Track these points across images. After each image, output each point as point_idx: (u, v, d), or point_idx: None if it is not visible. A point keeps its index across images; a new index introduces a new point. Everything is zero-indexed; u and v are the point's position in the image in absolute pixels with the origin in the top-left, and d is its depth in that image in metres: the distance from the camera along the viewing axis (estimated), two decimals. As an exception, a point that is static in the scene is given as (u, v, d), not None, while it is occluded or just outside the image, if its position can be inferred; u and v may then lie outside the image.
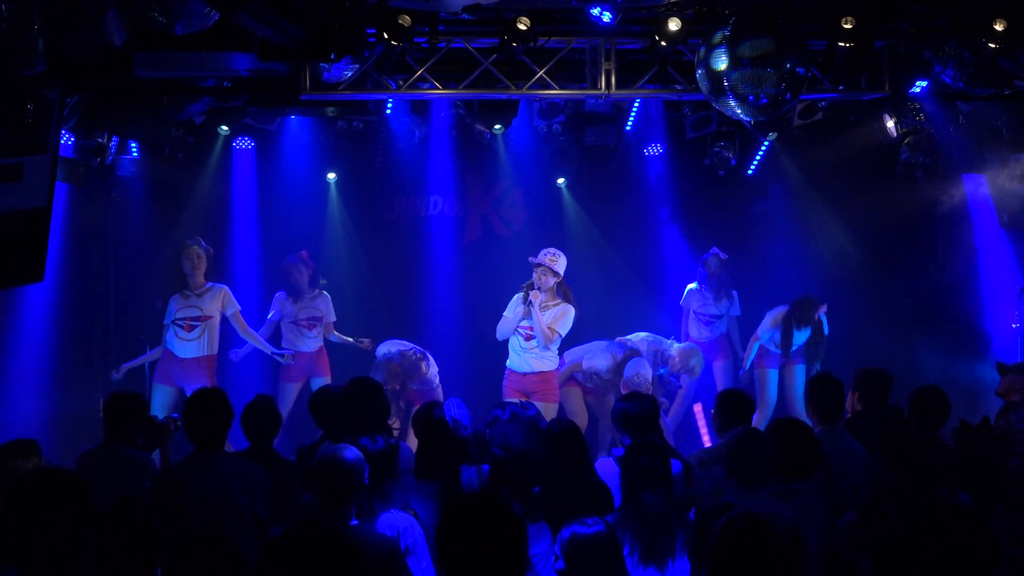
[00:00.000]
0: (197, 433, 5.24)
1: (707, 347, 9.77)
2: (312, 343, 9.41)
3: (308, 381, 9.32)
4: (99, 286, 10.01)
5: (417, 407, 6.46)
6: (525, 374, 8.59)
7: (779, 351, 9.38)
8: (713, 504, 4.62)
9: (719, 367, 9.86)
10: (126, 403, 5.84)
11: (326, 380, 9.15)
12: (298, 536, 4.09)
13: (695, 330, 9.87)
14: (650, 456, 4.79)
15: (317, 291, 9.47)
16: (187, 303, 8.78)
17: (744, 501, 4.62)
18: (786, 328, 9.31)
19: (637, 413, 5.69)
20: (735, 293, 9.83)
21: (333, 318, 9.51)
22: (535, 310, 8.42)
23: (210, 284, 8.88)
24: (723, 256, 9.74)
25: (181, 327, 8.78)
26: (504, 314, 8.67)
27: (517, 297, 8.63)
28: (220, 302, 8.85)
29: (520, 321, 8.56)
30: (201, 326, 8.79)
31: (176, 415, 5.82)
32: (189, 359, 8.74)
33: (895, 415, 6.26)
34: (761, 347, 9.54)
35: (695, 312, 9.86)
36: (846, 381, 6.25)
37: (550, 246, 8.72)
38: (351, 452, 4.44)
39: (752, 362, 9.59)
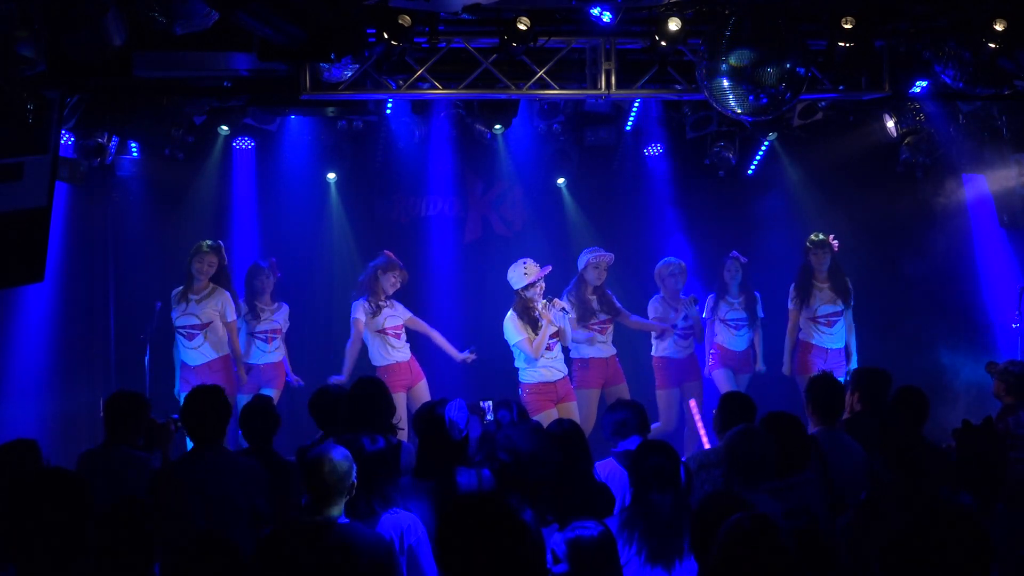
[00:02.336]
0: (196, 430, 5.25)
1: (738, 358, 9.60)
2: (270, 356, 9.14)
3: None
4: (99, 286, 10.00)
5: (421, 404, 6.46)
6: (557, 380, 8.60)
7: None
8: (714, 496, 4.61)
9: (744, 381, 9.62)
10: (127, 403, 5.84)
11: (276, 392, 8.96)
12: (287, 535, 4.11)
13: (726, 338, 9.59)
14: (659, 456, 4.78)
15: (277, 304, 9.21)
16: (188, 310, 8.74)
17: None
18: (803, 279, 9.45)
19: (622, 419, 5.77)
20: (757, 295, 9.68)
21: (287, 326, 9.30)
22: (565, 317, 8.55)
23: (211, 287, 8.81)
24: (743, 259, 9.61)
25: (184, 336, 8.76)
26: (522, 339, 8.43)
27: (513, 316, 8.50)
28: (220, 308, 8.77)
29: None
30: (200, 334, 8.73)
31: (176, 415, 5.82)
32: (200, 366, 8.73)
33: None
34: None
35: (722, 321, 9.60)
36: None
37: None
38: (338, 452, 4.47)
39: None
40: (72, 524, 3.21)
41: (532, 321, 8.46)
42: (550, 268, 8.62)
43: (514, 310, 8.54)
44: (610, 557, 4.18)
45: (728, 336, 9.59)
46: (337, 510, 4.38)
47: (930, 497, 5.05)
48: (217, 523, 4.96)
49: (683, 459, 5.70)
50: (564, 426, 5.43)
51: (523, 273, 8.45)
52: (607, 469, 5.64)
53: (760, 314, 9.70)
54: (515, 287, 8.52)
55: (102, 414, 5.91)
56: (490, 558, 3.17)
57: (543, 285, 8.49)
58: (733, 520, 3.32)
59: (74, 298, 9.60)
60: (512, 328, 8.51)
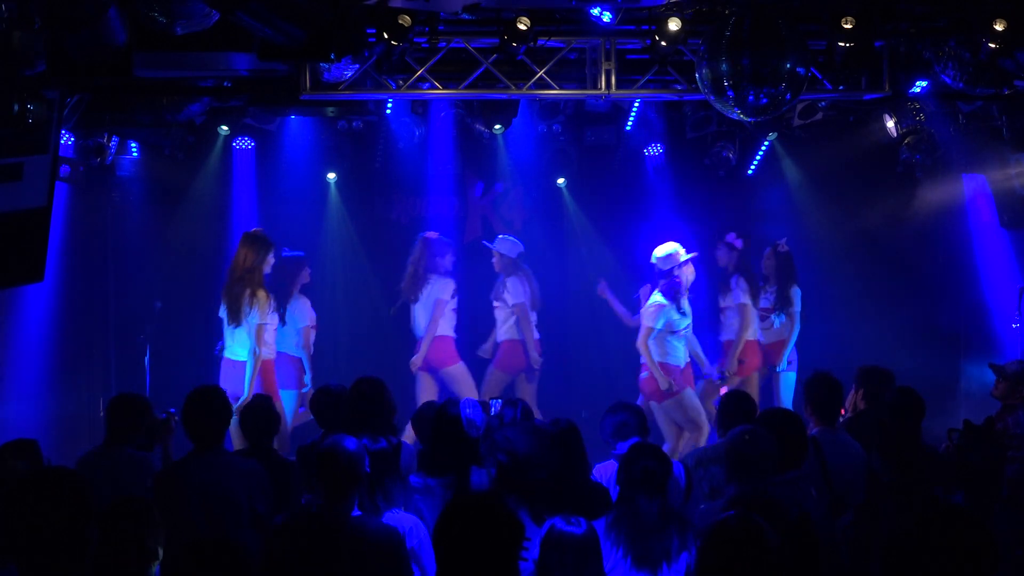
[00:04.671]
0: (196, 431, 5.25)
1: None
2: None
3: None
4: (99, 286, 10.00)
5: (421, 404, 6.46)
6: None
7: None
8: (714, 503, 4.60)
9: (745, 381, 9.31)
10: (129, 405, 5.84)
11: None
12: (301, 526, 4.11)
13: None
14: (649, 459, 4.77)
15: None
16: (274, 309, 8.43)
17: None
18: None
19: (622, 421, 5.76)
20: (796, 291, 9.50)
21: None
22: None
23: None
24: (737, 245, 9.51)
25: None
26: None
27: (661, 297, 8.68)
28: None
29: None
30: None
31: (174, 409, 5.79)
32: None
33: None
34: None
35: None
36: (846, 381, 6.25)
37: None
38: (351, 442, 4.47)
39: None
40: (73, 523, 3.20)
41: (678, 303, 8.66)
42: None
43: (663, 292, 8.66)
44: (585, 556, 4.16)
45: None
46: (350, 502, 4.38)
47: (928, 497, 5.06)
48: (217, 524, 4.97)
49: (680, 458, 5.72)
50: (561, 425, 5.43)
51: (680, 253, 8.69)
52: (609, 471, 5.64)
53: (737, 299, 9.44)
54: (665, 267, 8.69)
55: (102, 414, 5.90)
56: (486, 558, 3.18)
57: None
58: (718, 519, 3.33)
59: (74, 298, 9.59)
60: (657, 313, 8.62)
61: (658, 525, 4.61)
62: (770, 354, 9.51)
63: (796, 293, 9.50)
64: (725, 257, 9.46)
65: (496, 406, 5.58)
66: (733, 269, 9.41)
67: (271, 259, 8.27)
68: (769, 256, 9.57)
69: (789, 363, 9.46)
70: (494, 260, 9.53)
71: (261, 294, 8.09)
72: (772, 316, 9.47)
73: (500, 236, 9.61)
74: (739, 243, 9.54)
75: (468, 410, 5.20)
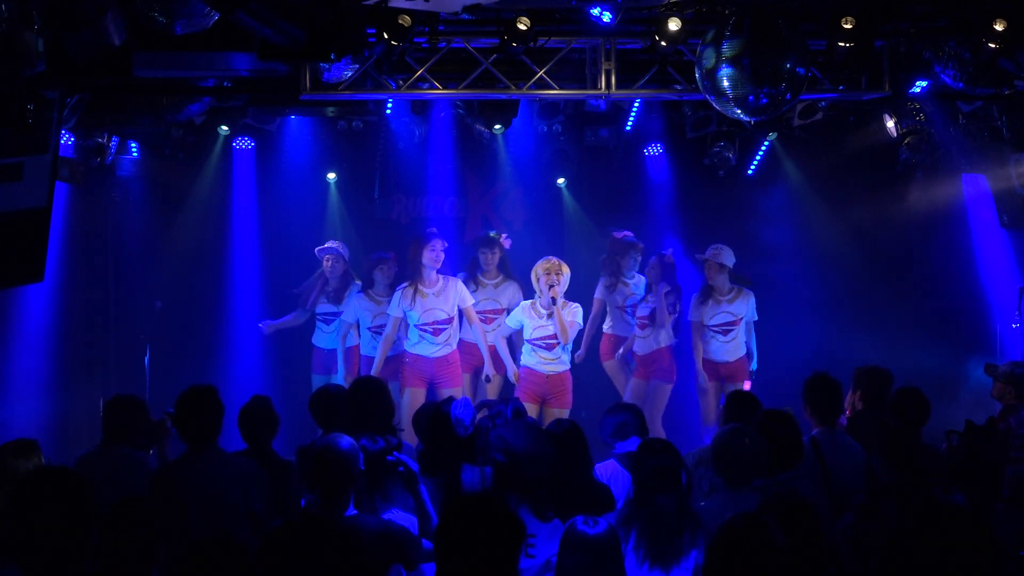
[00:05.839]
0: (189, 432, 5.23)
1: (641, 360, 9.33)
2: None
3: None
4: (99, 286, 10.02)
5: (422, 404, 6.46)
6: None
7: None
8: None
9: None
10: (126, 405, 5.83)
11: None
12: (297, 527, 4.11)
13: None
14: (660, 457, 4.77)
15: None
16: (426, 303, 8.47)
17: (733, 499, 4.62)
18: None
19: (622, 421, 5.78)
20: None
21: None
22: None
23: (441, 277, 8.57)
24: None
25: (429, 331, 8.49)
26: None
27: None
28: (457, 297, 8.57)
29: None
30: (448, 329, 8.52)
31: (171, 410, 5.79)
32: (439, 358, 8.55)
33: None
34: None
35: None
36: (846, 381, 6.24)
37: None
38: (345, 441, 4.46)
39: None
40: (75, 523, 3.20)
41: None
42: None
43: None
44: (607, 556, 4.16)
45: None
46: (345, 501, 4.37)
47: (928, 497, 5.06)
48: (213, 524, 4.95)
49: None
50: (563, 425, 5.43)
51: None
52: (608, 470, 5.64)
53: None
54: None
55: (102, 415, 5.90)
56: (487, 557, 3.19)
57: None
58: (726, 521, 3.33)
59: (74, 298, 9.60)
60: None
61: (676, 522, 4.58)
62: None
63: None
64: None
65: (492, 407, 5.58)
66: None
67: (430, 252, 8.47)
68: (654, 265, 9.20)
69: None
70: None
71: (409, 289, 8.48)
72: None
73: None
74: None
75: (457, 410, 5.21)
